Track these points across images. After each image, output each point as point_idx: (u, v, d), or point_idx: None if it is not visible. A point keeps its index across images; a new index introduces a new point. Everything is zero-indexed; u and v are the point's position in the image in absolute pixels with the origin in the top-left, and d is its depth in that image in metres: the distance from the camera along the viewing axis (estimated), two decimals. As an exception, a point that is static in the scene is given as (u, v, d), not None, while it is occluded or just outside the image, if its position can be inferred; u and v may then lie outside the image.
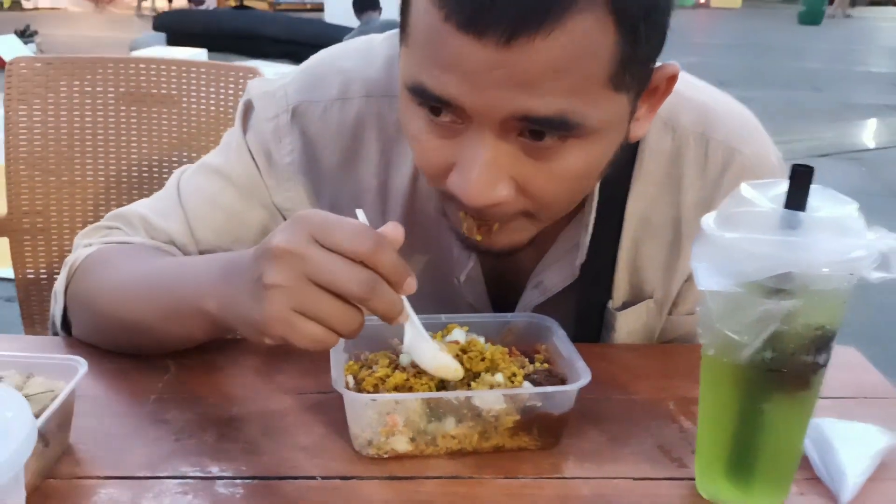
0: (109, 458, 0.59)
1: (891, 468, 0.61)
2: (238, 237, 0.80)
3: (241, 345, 0.76)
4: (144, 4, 12.65)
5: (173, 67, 1.46)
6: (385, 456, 0.60)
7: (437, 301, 0.75)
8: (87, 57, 1.50)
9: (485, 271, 0.80)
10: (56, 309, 0.77)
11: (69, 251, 1.55)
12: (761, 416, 0.53)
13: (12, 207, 1.46)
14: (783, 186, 0.50)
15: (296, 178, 0.80)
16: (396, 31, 0.74)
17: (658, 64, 0.63)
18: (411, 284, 0.55)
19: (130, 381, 0.70)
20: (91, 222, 1.48)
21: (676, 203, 0.76)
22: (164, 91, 1.46)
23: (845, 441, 0.61)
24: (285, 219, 0.80)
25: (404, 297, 0.58)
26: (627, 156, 0.74)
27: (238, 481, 0.57)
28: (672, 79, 0.65)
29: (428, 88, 0.57)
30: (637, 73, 0.59)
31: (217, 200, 0.80)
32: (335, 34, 6.51)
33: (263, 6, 12.92)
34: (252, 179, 0.80)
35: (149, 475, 0.58)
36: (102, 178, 1.47)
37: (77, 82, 1.45)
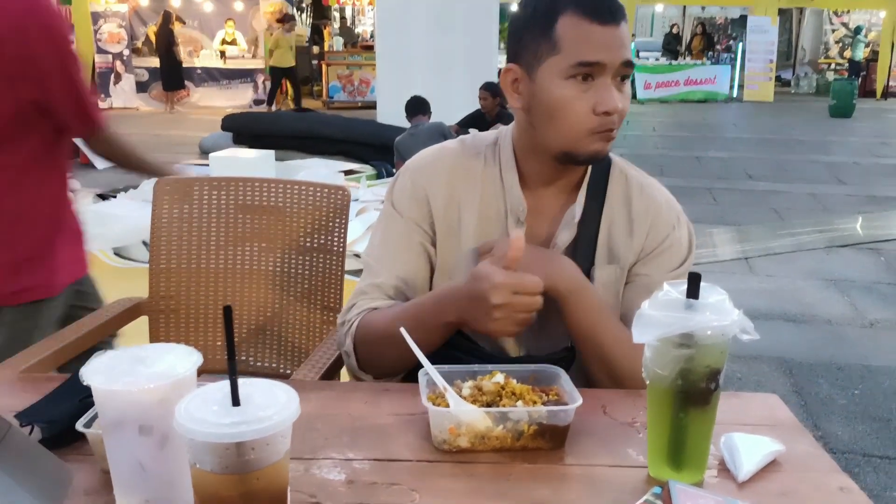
0: (285, 448, 0.97)
1: (777, 464, 0.96)
2: (413, 256, 1.28)
3: (355, 387, 1.15)
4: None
5: (280, 185, 1.88)
6: (453, 450, 0.97)
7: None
8: (214, 177, 1.94)
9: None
10: (352, 362, 1.26)
11: (193, 328, 1.96)
12: (681, 421, 0.89)
13: (152, 292, 1.88)
14: (685, 285, 0.88)
15: (422, 207, 1.28)
16: (455, 140, 1.34)
17: None
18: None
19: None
20: (212, 306, 1.88)
21: (629, 216, 1.28)
22: (272, 203, 1.87)
23: (747, 446, 0.96)
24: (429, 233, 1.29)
25: (448, 388, 0.98)
26: (601, 182, 1.28)
27: (365, 461, 0.95)
28: None
29: (590, 59, 1.12)
30: None
31: (395, 252, 1.29)
32: (386, 133, 7.08)
33: (318, 104, 13.84)
34: (404, 225, 1.29)
35: (310, 457, 0.95)
36: (222, 270, 1.87)
37: (206, 195, 1.88)
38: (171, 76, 13.52)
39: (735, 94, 16.60)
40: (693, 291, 0.87)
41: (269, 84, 14.02)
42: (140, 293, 1.94)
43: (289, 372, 1.86)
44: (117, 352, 0.80)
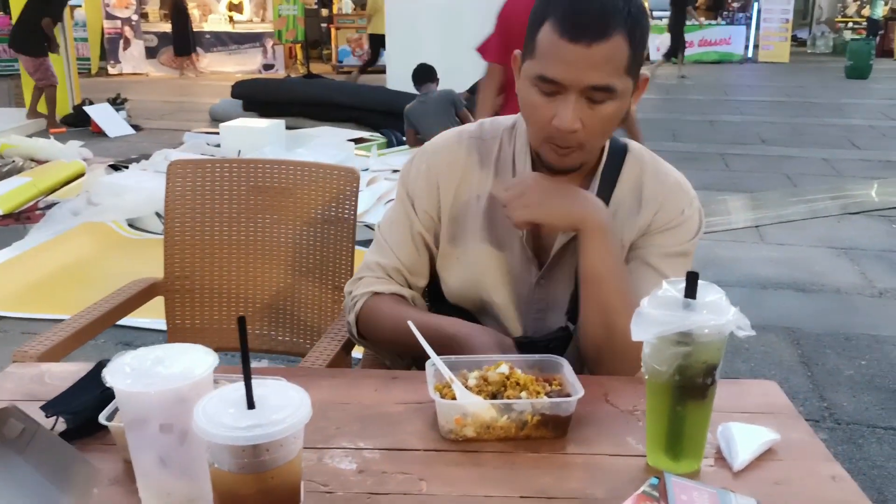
0: (299, 437, 1.01)
1: (772, 453, 0.99)
2: (414, 246, 1.35)
3: (365, 374, 1.19)
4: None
5: (290, 167, 1.91)
6: (460, 439, 1.01)
7: (508, 246, 1.30)
8: (227, 159, 1.97)
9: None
10: (353, 331, 1.38)
11: (209, 307, 2.01)
12: (679, 414, 0.93)
13: (167, 273, 1.92)
14: (683, 284, 0.90)
15: (432, 195, 1.33)
16: (475, 123, 1.38)
17: (643, 71, 1.18)
18: None
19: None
20: (226, 286, 1.92)
21: (638, 198, 1.29)
22: (283, 184, 1.90)
23: (743, 435, 0.99)
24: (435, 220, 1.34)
25: (455, 380, 1.01)
26: (615, 169, 1.29)
27: (375, 450, 0.99)
28: (646, 80, 1.20)
29: (549, 76, 1.11)
30: (634, 70, 1.14)
31: (401, 239, 1.35)
32: (396, 100, 7.05)
33: (328, 69, 13.76)
34: (412, 215, 1.35)
35: (323, 446, 0.99)
36: (235, 250, 1.91)
37: (219, 177, 1.92)
38: (183, 41, 13.45)
39: (750, 55, 16.36)
40: (691, 291, 0.90)
41: (278, 49, 13.93)
42: (154, 264, 1.98)
43: (306, 345, 1.90)
44: (138, 352, 0.84)
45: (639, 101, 1.23)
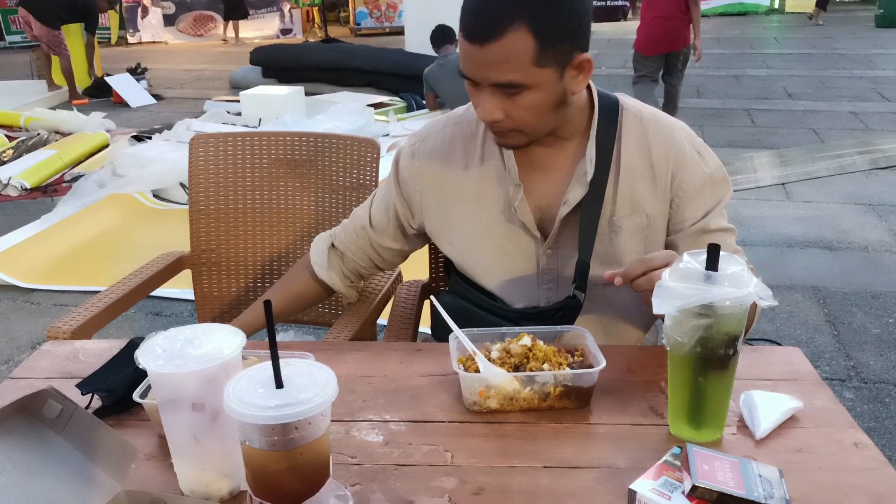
0: (326, 410, 1.04)
1: (794, 420, 1.00)
2: (386, 212, 1.42)
3: (389, 347, 1.21)
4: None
5: (312, 139, 1.92)
6: (484, 411, 1.02)
7: (504, 221, 1.30)
8: (248, 132, 1.98)
9: (530, 202, 1.29)
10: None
11: (235, 279, 2.04)
12: (700, 385, 0.93)
13: (194, 247, 1.95)
14: (704, 255, 0.90)
15: (417, 181, 1.36)
16: (463, 107, 1.37)
17: (587, 52, 1.15)
18: None
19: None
20: (251, 257, 1.95)
21: (648, 157, 1.26)
22: (305, 156, 1.91)
23: (765, 403, 1.00)
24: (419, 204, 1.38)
25: (478, 353, 1.02)
26: (610, 128, 1.25)
27: (401, 423, 1.01)
28: (588, 61, 1.15)
29: (463, 72, 1.14)
30: (554, 57, 1.10)
31: (381, 195, 1.44)
32: (415, 63, 6.99)
33: (345, 31, 13.64)
34: (395, 198, 1.40)
35: (350, 419, 1.02)
36: (259, 223, 1.94)
37: (241, 150, 1.93)
38: (234, 4, 13.29)
39: (777, 5, 15.93)
40: (712, 263, 0.90)
41: (295, 13, 13.81)
42: (179, 234, 2.00)
43: (331, 315, 1.93)
44: (168, 333, 0.86)
45: (584, 84, 1.18)
